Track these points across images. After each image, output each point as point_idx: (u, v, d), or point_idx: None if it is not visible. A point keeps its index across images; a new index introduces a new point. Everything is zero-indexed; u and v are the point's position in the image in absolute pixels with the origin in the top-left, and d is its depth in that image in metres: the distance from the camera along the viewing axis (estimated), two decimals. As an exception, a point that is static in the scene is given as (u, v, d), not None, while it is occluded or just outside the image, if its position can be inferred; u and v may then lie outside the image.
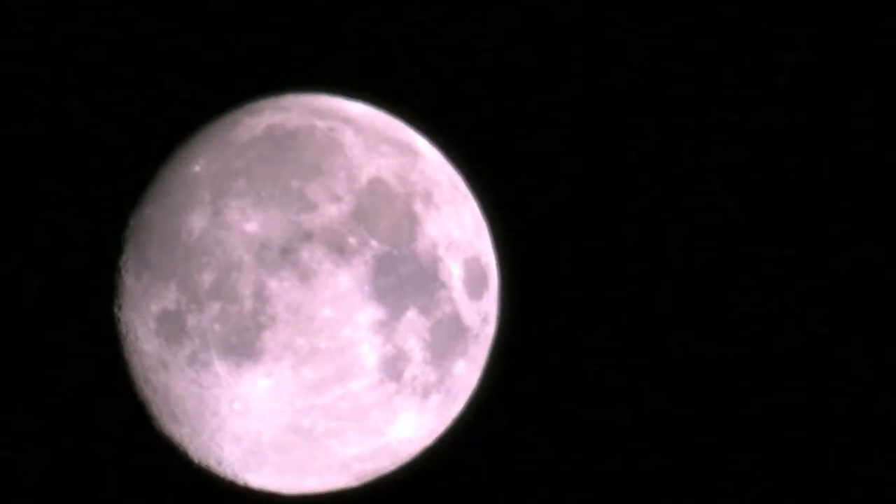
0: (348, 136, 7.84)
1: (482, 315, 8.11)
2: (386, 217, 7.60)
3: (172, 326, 7.59)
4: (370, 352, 7.49)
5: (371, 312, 7.46)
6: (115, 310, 7.93)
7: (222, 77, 9.46)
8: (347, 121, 7.96)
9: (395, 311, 7.52)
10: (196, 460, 8.14)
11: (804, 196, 9.88)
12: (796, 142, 9.90)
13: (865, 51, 9.81)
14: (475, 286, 8.02)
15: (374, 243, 7.49)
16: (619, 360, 9.85)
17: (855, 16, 9.75)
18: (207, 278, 7.44)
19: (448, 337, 7.81)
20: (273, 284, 7.36)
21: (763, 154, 9.89)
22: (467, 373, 8.17)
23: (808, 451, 9.79)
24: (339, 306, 7.39)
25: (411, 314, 7.57)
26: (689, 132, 9.92)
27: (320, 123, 7.87)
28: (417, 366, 7.69)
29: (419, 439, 8.21)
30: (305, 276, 7.36)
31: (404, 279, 7.56)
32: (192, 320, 7.50)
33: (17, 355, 9.30)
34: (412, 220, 7.71)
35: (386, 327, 7.50)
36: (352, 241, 7.44)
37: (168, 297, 7.58)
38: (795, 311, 9.87)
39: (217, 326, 7.44)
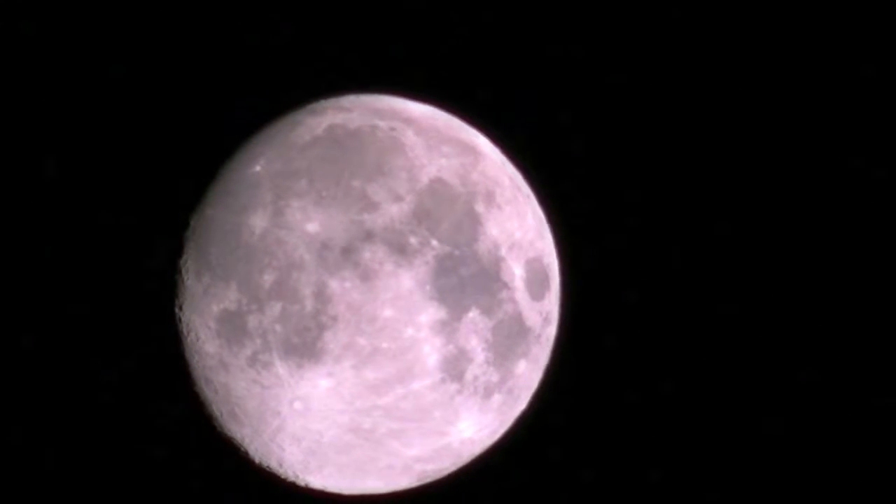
0: (409, 136, 7.82)
1: (544, 315, 8.07)
2: (447, 217, 7.57)
3: (233, 327, 7.59)
4: (431, 352, 7.47)
5: (432, 313, 7.44)
6: (176, 310, 7.94)
7: (284, 77, 9.49)
8: (408, 121, 7.95)
9: (457, 311, 7.50)
10: (257, 461, 8.15)
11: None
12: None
13: None
14: (537, 286, 7.99)
15: (435, 243, 7.47)
16: (682, 360, 9.80)
17: None
18: (268, 279, 7.44)
19: (510, 337, 7.78)
20: (334, 284, 7.35)
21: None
22: (529, 373, 8.13)
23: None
24: (400, 306, 7.37)
25: (473, 314, 7.55)
26: (754, 132, 9.86)
27: (381, 123, 7.86)
28: (479, 366, 7.66)
29: (481, 439, 8.18)
30: (367, 276, 7.35)
31: (465, 279, 7.53)
32: (253, 321, 7.50)
33: (79, 356, 9.35)
34: (474, 221, 7.68)
35: (447, 327, 7.48)
36: (413, 241, 7.42)
37: (229, 298, 7.59)
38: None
39: (278, 327, 7.44)
